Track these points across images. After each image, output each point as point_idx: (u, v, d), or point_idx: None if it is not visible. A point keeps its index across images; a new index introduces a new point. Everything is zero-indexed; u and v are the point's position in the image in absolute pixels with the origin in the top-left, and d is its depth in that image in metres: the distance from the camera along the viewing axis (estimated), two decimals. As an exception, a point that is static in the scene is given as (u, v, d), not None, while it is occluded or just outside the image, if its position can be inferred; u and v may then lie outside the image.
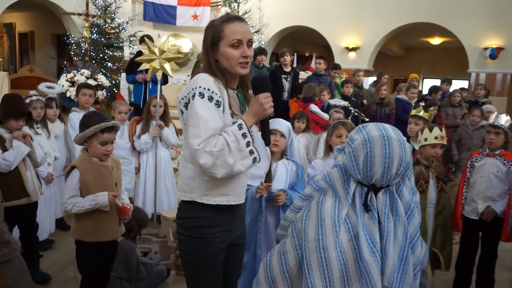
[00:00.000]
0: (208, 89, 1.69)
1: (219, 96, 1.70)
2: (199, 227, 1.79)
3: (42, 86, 4.62)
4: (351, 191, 1.37)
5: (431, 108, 3.74)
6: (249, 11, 11.22)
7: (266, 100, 1.70)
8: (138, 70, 5.99)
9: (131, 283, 3.09)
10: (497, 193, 3.27)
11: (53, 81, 7.75)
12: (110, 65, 9.73)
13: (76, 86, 4.92)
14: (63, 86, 6.74)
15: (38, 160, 3.29)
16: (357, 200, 1.36)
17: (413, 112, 3.66)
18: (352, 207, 1.36)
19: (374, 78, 8.70)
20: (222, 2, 11.52)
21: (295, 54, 11.68)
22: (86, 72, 6.79)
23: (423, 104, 3.73)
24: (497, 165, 3.27)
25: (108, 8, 9.94)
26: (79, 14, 7.93)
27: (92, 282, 2.58)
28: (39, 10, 10.89)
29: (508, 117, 3.30)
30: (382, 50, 12.81)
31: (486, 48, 9.53)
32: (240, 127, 1.67)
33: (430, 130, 3.01)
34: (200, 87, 1.69)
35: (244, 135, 1.66)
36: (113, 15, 9.81)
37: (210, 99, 1.67)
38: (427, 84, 16.27)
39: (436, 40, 13.67)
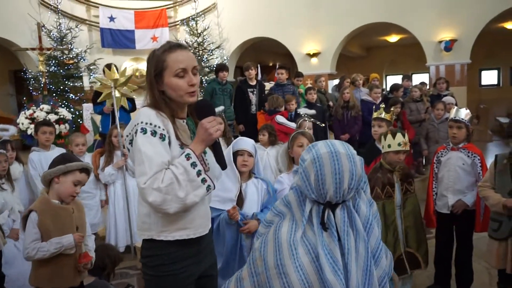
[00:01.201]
0: (151, 124, 1.63)
1: (163, 129, 1.64)
2: (163, 264, 1.72)
3: None
4: (306, 212, 1.35)
5: (392, 109, 3.77)
6: (208, 27, 11.26)
7: (210, 124, 1.64)
8: (99, 100, 5.91)
9: (109, 325, 2.97)
10: (465, 186, 3.32)
11: (14, 118, 7.52)
12: (72, 96, 9.55)
13: (34, 124, 4.75)
14: (22, 124, 6.53)
15: (-3, 208, 3.14)
16: (315, 220, 1.34)
17: (375, 114, 3.69)
18: (310, 227, 1.34)
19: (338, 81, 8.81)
20: (180, 21, 11.51)
21: (259, 65, 11.76)
22: (46, 107, 6.60)
23: (383, 106, 3.77)
24: (462, 158, 3.32)
25: (64, 39, 9.78)
26: (33, 49, 7.73)
27: None
28: (-8, 47, 10.59)
29: (468, 111, 3.36)
30: (343, 52, 13.02)
31: (440, 41, 9.82)
32: (188, 157, 1.60)
33: (393, 136, 3.00)
34: (142, 122, 1.63)
35: (193, 165, 1.59)
36: (69, 46, 9.64)
37: (154, 133, 1.62)
38: (390, 81, 16.67)
39: (393, 38, 14.02)
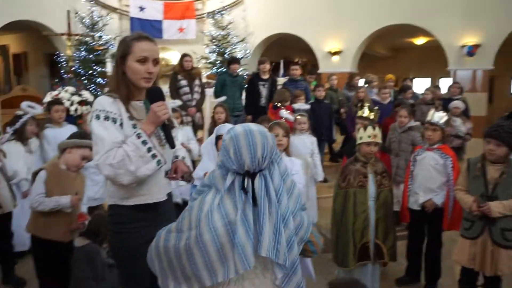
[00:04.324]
0: (103, 110, 1.93)
1: (115, 113, 1.95)
2: (122, 222, 2.04)
3: (24, 105, 4.87)
4: (227, 182, 1.60)
5: (376, 108, 3.96)
6: (233, 21, 11.54)
7: (159, 108, 1.93)
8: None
9: (97, 283, 3.34)
10: (437, 185, 3.49)
11: (41, 98, 8.06)
12: (100, 81, 10.10)
13: (47, 104, 5.16)
14: (68, 100, 6.80)
15: (9, 175, 3.57)
16: (236, 188, 1.59)
17: (359, 113, 3.89)
18: (229, 196, 1.60)
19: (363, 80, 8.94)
20: (206, 14, 11.86)
21: (282, 61, 11.98)
22: (70, 89, 7.06)
23: (367, 105, 3.97)
24: (435, 158, 3.50)
25: (95, 26, 10.32)
26: (62, 34, 8.26)
27: (43, 274, 2.92)
28: (31, 31, 11.26)
29: (444, 114, 3.53)
30: (369, 52, 13.05)
31: (463, 46, 9.74)
32: (138, 136, 1.88)
33: (365, 129, 3.25)
34: (96, 110, 1.95)
35: (144, 142, 1.88)
36: (100, 32, 10.17)
37: (106, 118, 1.92)
38: (417, 84, 16.48)
39: (420, 40, 13.90)
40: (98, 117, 1.93)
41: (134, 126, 1.98)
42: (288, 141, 3.26)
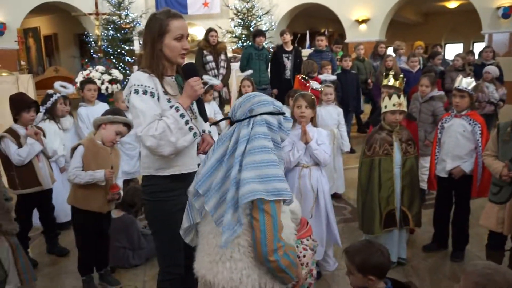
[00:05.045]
0: (141, 85, 2.02)
1: (152, 88, 2.04)
2: (157, 191, 2.16)
3: (57, 85, 5.06)
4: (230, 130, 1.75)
5: (401, 76, 3.89)
6: (258, -7, 11.40)
7: (195, 83, 2.03)
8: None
9: (133, 252, 3.54)
10: (465, 152, 3.45)
11: (73, 78, 8.32)
12: (128, 59, 10.27)
13: (79, 83, 5.32)
14: (99, 79, 6.97)
15: (49, 154, 3.76)
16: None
17: (384, 82, 3.84)
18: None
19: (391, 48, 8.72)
20: (231, -13, 11.75)
21: (308, 32, 11.81)
22: (101, 68, 7.24)
23: (392, 73, 3.91)
24: (463, 125, 3.44)
25: (122, 4, 10.43)
26: (90, 14, 8.41)
27: (82, 243, 3.12)
28: (60, 12, 11.51)
29: (472, 80, 3.44)
30: (397, 19, 12.64)
31: (498, 8, 9.30)
32: (177, 109, 1.99)
33: (389, 97, 3.22)
34: (134, 84, 2.03)
35: (182, 115, 1.99)
36: (126, 11, 10.28)
37: (145, 92, 2.02)
38: (450, 50, 15.91)
39: (452, 4, 13.33)
40: (136, 91, 2.02)
41: (169, 101, 2.08)
42: (313, 112, 3.27)
